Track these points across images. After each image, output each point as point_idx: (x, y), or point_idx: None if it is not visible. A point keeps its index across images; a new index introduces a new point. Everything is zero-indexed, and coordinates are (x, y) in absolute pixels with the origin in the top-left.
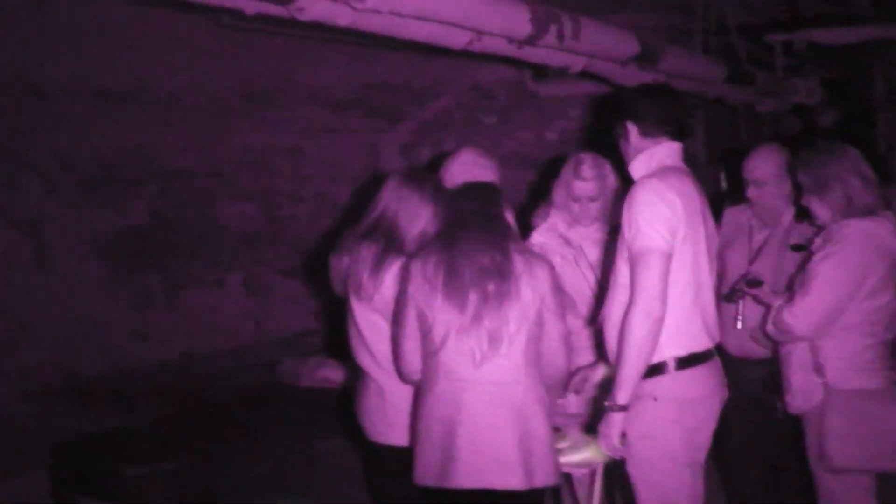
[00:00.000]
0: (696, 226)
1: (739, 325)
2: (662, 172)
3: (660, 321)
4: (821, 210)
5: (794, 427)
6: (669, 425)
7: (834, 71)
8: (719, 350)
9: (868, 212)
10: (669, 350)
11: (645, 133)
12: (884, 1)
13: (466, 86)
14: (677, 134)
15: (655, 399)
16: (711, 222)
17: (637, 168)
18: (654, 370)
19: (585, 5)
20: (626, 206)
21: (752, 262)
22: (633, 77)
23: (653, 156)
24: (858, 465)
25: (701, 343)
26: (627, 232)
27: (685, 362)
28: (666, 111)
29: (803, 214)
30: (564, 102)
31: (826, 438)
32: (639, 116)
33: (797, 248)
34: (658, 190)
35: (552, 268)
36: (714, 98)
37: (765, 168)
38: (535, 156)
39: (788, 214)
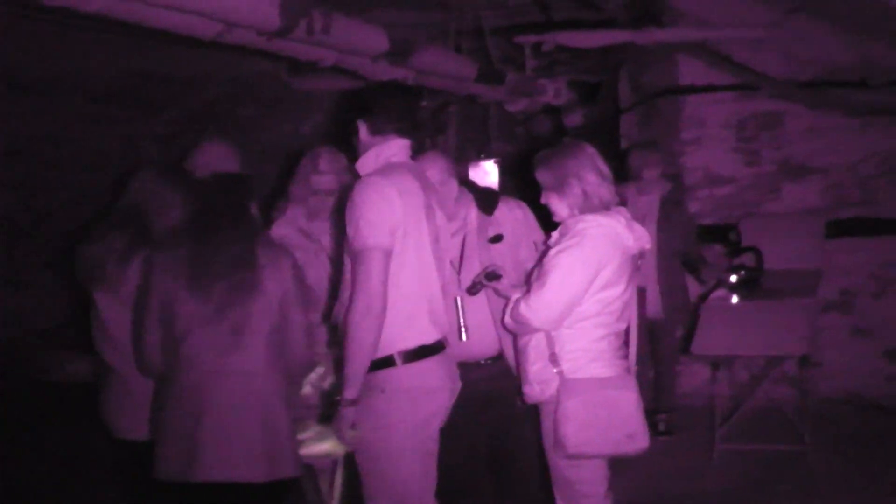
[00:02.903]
0: (420, 222)
1: (464, 336)
2: (386, 170)
3: (380, 317)
4: (559, 206)
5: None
6: (398, 417)
7: (585, 73)
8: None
9: (604, 207)
10: (396, 344)
11: (374, 130)
12: (632, 8)
13: (227, 78)
14: (407, 131)
15: (384, 391)
16: (441, 217)
17: (364, 165)
18: (383, 363)
19: (343, 1)
20: (348, 204)
21: (460, 266)
22: (384, 73)
23: (380, 153)
24: (592, 451)
25: (429, 336)
26: (349, 229)
27: (413, 355)
28: (395, 109)
29: (545, 212)
30: (320, 97)
31: (561, 426)
32: (368, 114)
33: (495, 239)
34: (378, 188)
35: (295, 260)
36: (467, 96)
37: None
38: (292, 149)
39: (472, 212)
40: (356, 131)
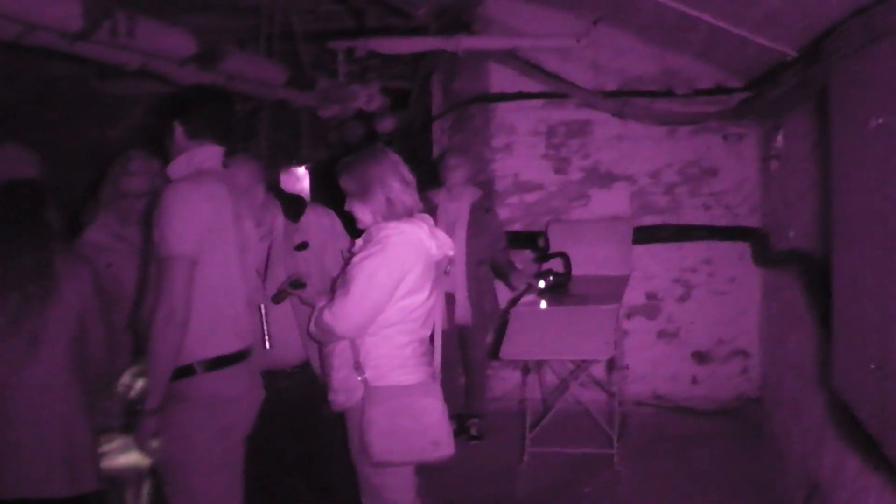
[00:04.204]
0: (227, 231)
1: (268, 344)
2: (197, 176)
3: (183, 326)
4: (363, 213)
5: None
6: (199, 427)
7: (398, 80)
8: None
9: (407, 214)
10: (197, 353)
11: (191, 134)
12: (443, 16)
13: (32, 80)
14: (222, 137)
15: (184, 400)
16: (249, 226)
17: (176, 169)
18: (183, 372)
19: (153, 3)
20: (156, 209)
21: (265, 273)
22: (192, 77)
23: (193, 157)
24: (398, 458)
25: (230, 346)
26: (155, 235)
27: (213, 364)
28: (214, 114)
29: (350, 219)
30: (129, 101)
31: (367, 434)
32: (186, 117)
33: (300, 246)
34: (187, 195)
35: (95, 269)
36: (278, 101)
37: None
38: (99, 153)
39: (279, 219)
40: (171, 133)
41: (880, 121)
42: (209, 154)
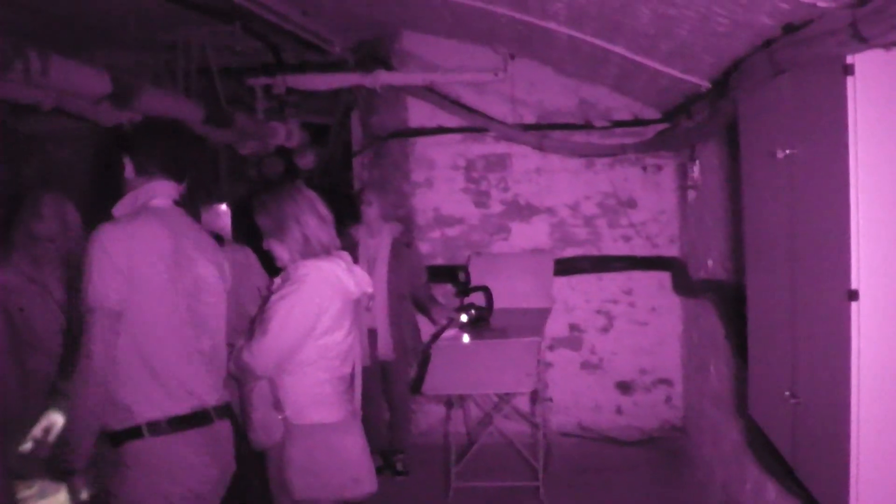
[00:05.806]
0: (164, 275)
1: None
2: (135, 215)
3: (100, 384)
4: (281, 251)
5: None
6: (145, 496)
7: (317, 115)
8: None
9: (324, 251)
10: (142, 413)
11: (140, 170)
12: (359, 52)
13: None
14: (174, 173)
15: (131, 468)
16: (203, 267)
17: (121, 206)
18: (128, 435)
19: (66, 40)
20: (85, 253)
21: None
22: (107, 115)
23: (139, 196)
24: (318, 496)
25: (182, 405)
26: (82, 282)
27: (166, 426)
28: (163, 149)
29: (269, 257)
30: (44, 138)
31: (287, 471)
32: (135, 152)
33: None
34: (111, 240)
35: (5, 310)
36: (197, 138)
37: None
38: (12, 192)
39: None
40: (122, 169)
41: (787, 151)
42: (159, 190)
